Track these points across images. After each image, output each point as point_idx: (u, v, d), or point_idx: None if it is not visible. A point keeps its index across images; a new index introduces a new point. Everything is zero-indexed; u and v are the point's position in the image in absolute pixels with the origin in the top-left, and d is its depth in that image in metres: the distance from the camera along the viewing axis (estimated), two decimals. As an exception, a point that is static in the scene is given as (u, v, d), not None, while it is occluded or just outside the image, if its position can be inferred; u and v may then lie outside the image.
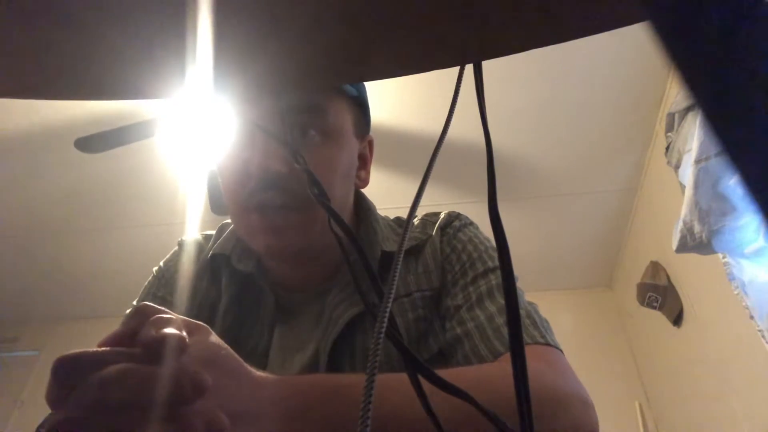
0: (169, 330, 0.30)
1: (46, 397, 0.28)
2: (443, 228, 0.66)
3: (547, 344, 0.51)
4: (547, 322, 0.56)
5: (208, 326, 0.35)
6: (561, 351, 0.53)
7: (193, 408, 0.28)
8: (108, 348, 0.30)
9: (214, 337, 0.35)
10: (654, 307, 2.19)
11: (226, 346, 0.34)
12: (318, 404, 0.36)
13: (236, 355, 0.34)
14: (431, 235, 0.65)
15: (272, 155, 0.53)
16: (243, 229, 0.59)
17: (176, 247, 0.70)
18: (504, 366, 0.46)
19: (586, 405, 0.46)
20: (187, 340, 0.31)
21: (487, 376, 0.44)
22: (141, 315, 0.32)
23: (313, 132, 0.57)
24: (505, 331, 0.51)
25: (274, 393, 0.35)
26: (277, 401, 0.34)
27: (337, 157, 0.59)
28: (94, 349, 0.29)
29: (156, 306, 0.33)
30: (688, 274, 2.00)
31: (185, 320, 0.34)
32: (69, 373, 0.27)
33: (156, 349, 0.29)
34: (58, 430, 0.26)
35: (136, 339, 0.30)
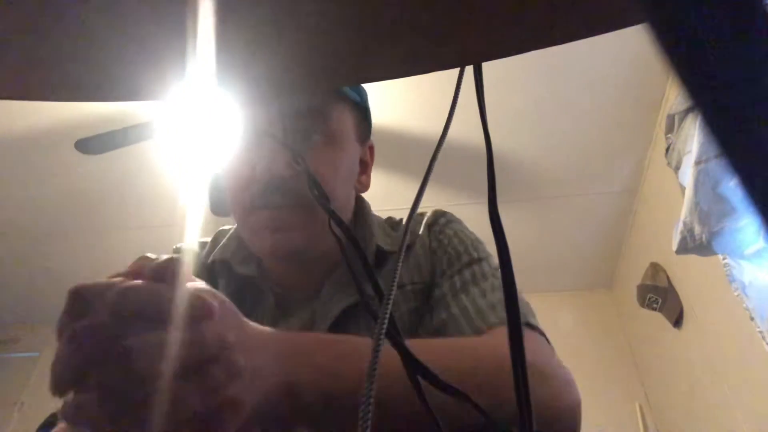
0: (175, 257, 0.32)
1: (59, 322, 0.29)
2: (430, 225, 0.68)
3: (528, 325, 0.52)
4: (528, 304, 0.57)
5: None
6: (542, 333, 0.53)
7: (205, 322, 0.29)
8: (119, 278, 0.31)
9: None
10: (654, 309, 2.19)
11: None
12: (313, 352, 0.38)
13: (234, 305, 0.36)
14: (419, 234, 0.67)
15: (277, 159, 0.54)
16: (247, 230, 0.59)
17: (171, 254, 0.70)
18: (486, 338, 0.49)
19: (568, 382, 0.47)
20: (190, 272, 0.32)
21: (468, 346, 0.46)
22: (144, 259, 0.34)
23: (316, 136, 0.58)
24: (487, 312, 0.53)
25: (272, 336, 0.37)
26: (273, 342, 0.36)
27: (340, 160, 0.60)
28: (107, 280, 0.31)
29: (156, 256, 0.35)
30: (689, 275, 2.00)
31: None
32: (86, 296, 0.29)
33: (164, 273, 0.30)
34: (80, 335, 0.27)
35: (144, 270, 0.31)
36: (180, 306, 0.29)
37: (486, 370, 0.38)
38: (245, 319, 0.36)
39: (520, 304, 0.54)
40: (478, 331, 0.51)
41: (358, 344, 0.40)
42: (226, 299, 0.35)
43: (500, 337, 0.46)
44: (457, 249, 0.63)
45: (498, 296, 0.54)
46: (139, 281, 0.29)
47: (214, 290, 0.35)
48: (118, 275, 0.32)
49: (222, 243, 0.66)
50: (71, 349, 0.27)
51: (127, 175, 2.19)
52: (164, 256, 0.33)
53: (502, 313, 0.50)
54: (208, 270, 0.64)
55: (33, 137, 2.01)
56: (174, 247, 0.71)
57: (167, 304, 0.28)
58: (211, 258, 0.64)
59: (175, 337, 0.27)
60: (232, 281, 0.62)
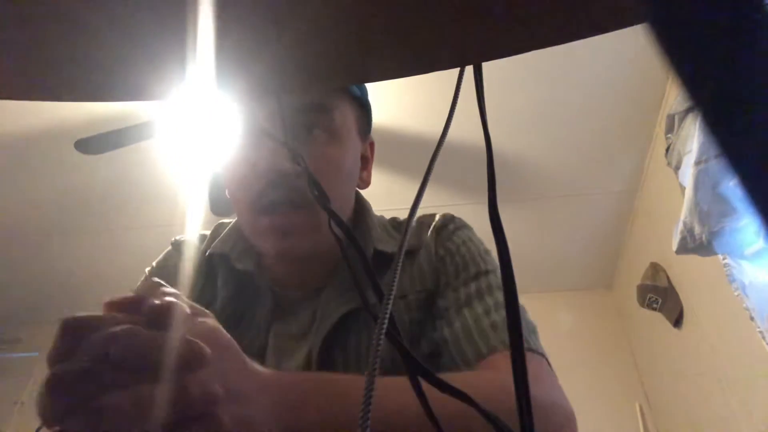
0: (173, 301, 0.31)
1: (48, 356, 0.28)
2: (438, 231, 0.66)
3: (530, 350, 0.51)
4: (533, 325, 0.56)
5: (211, 313, 0.36)
6: (545, 357, 0.53)
7: (191, 375, 0.28)
8: (113, 313, 0.31)
9: (216, 323, 0.35)
10: (654, 309, 2.19)
11: (226, 333, 0.35)
12: (313, 397, 0.37)
13: (236, 344, 0.35)
14: (425, 238, 0.65)
15: (281, 154, 0.54)
16: (252, 232, 0.59)
17: (169, 247, 0.70)
18: (488, 373, 0.47)
19: (568, 416, 0.46)
20: (189, 312, 0.31)
21: (476, 383, 0.44)
22: (148, 287, 0.33)
23: (319, 131, 0.57)
24: (490, 333, 0.52)
25: (271, 381, 0.35)
26: (272, 388, 0.35)
27: (342, 156, 0.59)
28: (101, 314, 0.30)
29: (163, 283, 0.34)
30: (689, 275, 2.00)
31: (190, 303, 0.34)
32: (76, 331, 0.28)
33: (159, 316, 0.29)
34: (60, 382, 0.26)
35: (141, 306, 0.30)
36: (169, 356, 0.27)
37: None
38: (247, 362, 0.35)
39: (525, 326, 0.53)
40: (479, 355, 0.51)
41: (358, 383, 0.40)
42: (232, 340, 0.34)
43: (500, 370, 0.46)
44: (465, 258, 0.61)
45: (502, 315, 0.53)
46: (128, 327, 0.28)
47: (217, 329, 0.34)
48: (118, 302, 0.31)
49: (221, 236, 0.66)
50: (51, 392, 0.26)
51: (127, 175, 2.19)
52: (168, 294, 0.32)
53: (505, 335, 0.49)
54: (207, 263, 0.64)
55: (33, 137, 2.01)
56: (173, 239, 0.70)
57: (154, 355, 0.27)
58: (210, 251, 0.64)
59: (155, 393, 0.26)
60: (231, 276, 0.62)
